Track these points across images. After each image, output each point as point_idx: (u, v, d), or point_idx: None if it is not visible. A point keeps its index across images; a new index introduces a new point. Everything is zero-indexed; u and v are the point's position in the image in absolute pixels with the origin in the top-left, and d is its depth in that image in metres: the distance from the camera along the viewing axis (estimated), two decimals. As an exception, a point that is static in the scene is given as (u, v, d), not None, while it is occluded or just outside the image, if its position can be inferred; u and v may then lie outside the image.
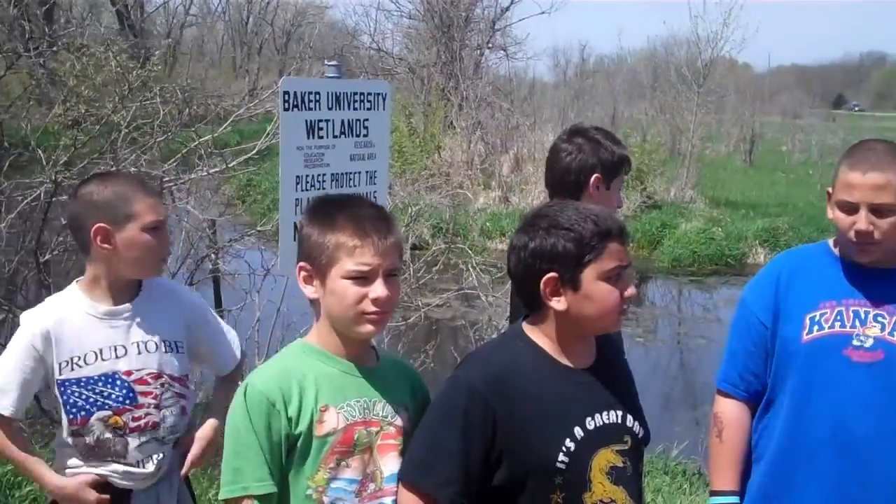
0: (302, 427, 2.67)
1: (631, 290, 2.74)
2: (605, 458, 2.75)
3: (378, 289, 2.69)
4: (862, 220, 3.21)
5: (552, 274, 2.71)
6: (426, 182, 19.16)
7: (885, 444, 3.24)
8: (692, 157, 28.40)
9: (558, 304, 2.74)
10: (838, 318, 3.31)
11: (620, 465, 2.77)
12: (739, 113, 42.51)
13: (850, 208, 3.23)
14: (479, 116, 28.19)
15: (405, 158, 22.49)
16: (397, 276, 2.79)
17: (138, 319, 3.54)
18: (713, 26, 28.81)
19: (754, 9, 31.94)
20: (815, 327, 3.33)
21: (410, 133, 24.94)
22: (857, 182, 3.20)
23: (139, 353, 3.52)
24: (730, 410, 3.54)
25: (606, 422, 2.78)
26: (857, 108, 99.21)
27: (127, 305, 3.52)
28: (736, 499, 3.49)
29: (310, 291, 2.79)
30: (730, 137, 43.13)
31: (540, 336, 2.83)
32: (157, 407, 3.54)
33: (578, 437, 2.71)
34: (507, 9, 34.46)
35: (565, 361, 2.81)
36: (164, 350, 3.57)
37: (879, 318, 3.28)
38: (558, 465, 2.67)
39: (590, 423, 2.74)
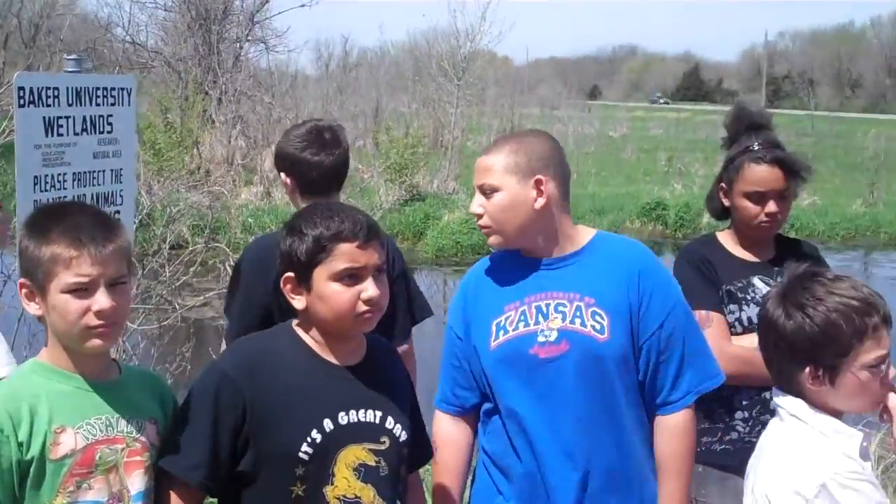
0: (34, 451, 2.50)
1: (370, 293, 2.74)
2: (355, 454, 2.76)
3: (101, 300, 2.55)
4: (473, 202, 3.29)
5: (289, 274, 2.79)
6: (186, 180, 18.72)
7: (591, 437, 3.18)
8: (454, 149, 28.83)
9: (298, 303, 2.80)
10: (522, 317, 3.24)
11: (372, 464, 2.78)
12: (500, 105, 43.40)
13: None
14: (239, 111, 27.78)
15: (162, 155, 21.85)
16: (124, 283, 2.65)
17: None
18: (472, 20, 29.35)
19: (511, 3, 32.72)
20: (501, 332, 3.26)
21: (167, 129, 24.25)
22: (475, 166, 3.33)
23: None
24: (445, 430, 3.46)
25: (362, 419, 2.80)
26: (662, 101, 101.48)
27: None
28: None
29: (33, 309, 2.63)
30: (491, 129, 43.89)
31: (304, 332, 2.86)
32: None
33: (327, 430, 2.73)
34: (267, 0, 34.02)
35: (327, 357, 2.83)
36: None
37: (560, 308, 3.20)
38: (301, 455, 2.69)
39: (342, 419, 2.76)
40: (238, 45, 32.96)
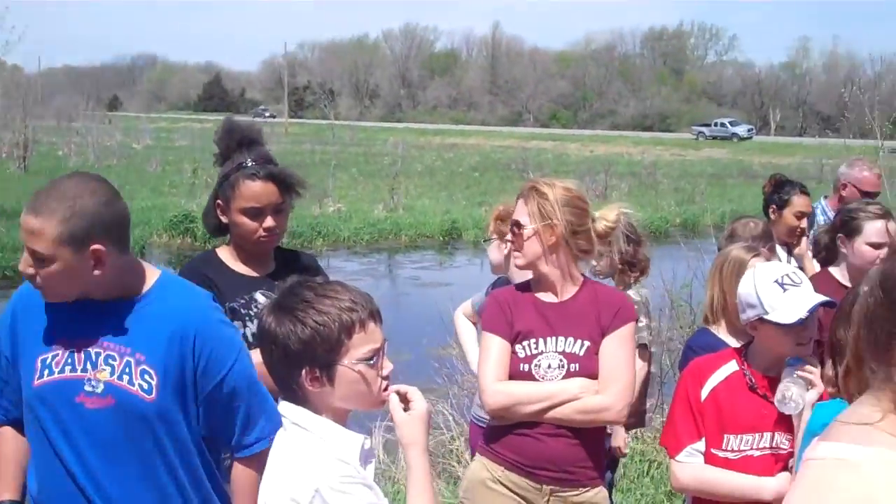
0: None
1: None
2: None
3: None
4: (24, 260, 2.95)
5: None
6: None
7: (133, 492, 3.03)
8: (-43, 167, 26.74)
9: None
10: (69, 360, 3.02)
11: None
12: (10, 118, 41.21)
13: None
14: None
15: None
16: None
17: None
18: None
19: (20, 9, 30.81)
20: (46, 371, 3.02)
21: None
22: None
23: None
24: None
25: None
26: (269, 116, 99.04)
27: None
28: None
29: None
30: (2, 142, 41.59)
31: None
32: None
33: None
34: None
35: None
36: None
37: (111, 361, 3.01)
38: None
39: None
40: None
